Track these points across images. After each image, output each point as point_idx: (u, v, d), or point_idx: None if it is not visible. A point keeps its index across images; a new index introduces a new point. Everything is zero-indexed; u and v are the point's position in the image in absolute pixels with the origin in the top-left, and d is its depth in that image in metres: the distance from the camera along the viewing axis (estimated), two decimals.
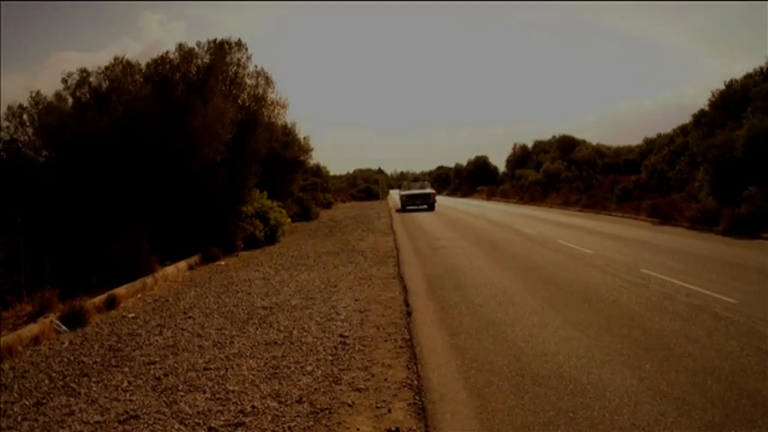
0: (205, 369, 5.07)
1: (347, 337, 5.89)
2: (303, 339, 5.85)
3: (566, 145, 40.69)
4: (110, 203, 11.29)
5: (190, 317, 7.13)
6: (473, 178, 63.26)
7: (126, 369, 5.18)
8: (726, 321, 5.80)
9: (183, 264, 11.09)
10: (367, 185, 67.68)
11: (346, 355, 5.28)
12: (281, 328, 6.32)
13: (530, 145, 49.09)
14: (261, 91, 15.54)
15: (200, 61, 12.69)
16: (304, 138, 23.15)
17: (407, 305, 7.23)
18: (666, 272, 8.69)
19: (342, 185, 73.32)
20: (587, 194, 24.30)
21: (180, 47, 12.91)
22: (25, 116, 11.94)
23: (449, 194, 74.08)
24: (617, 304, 6.69)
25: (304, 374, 4.81)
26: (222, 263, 12.09)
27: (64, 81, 11.78)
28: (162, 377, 4.92)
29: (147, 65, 12.35)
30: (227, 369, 5.04)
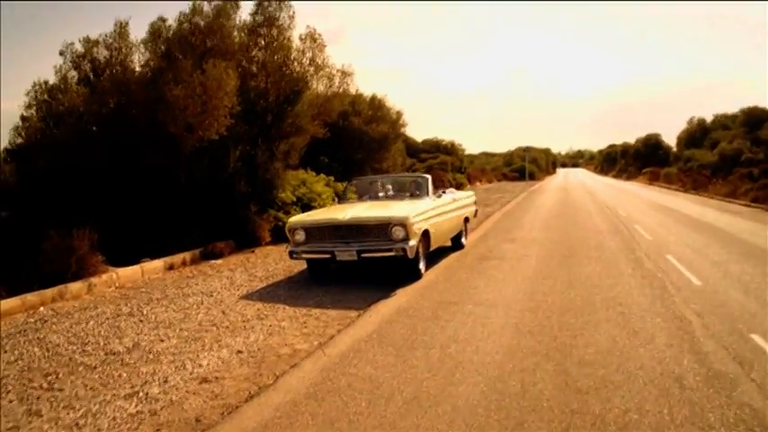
0: None
1: None
2: None
3: (753, 119, 32.43)
4: (92, 190, 9.93)
5: None
6: (642, 158, 55.47)
7: None
8: None
9: (158, 263, 9.33)
10: (523, 164, 63.20)
11: None
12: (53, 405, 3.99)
13: (709, 119, 40.78)
14: (309, 56, 13.23)
15: (204, 20, 10.74)
16: (397, 112, 20.49)
17: (276, 379, 4.45)
18: None
19: (498, 164, 69.11)
20: (760, 184, 18.13)
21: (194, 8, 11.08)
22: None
23: (614, 176, 66.10)
24: None
25: None
26: (219, 262, 10.15)
27: (61, 53, 10.57)
28: None
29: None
30: None
